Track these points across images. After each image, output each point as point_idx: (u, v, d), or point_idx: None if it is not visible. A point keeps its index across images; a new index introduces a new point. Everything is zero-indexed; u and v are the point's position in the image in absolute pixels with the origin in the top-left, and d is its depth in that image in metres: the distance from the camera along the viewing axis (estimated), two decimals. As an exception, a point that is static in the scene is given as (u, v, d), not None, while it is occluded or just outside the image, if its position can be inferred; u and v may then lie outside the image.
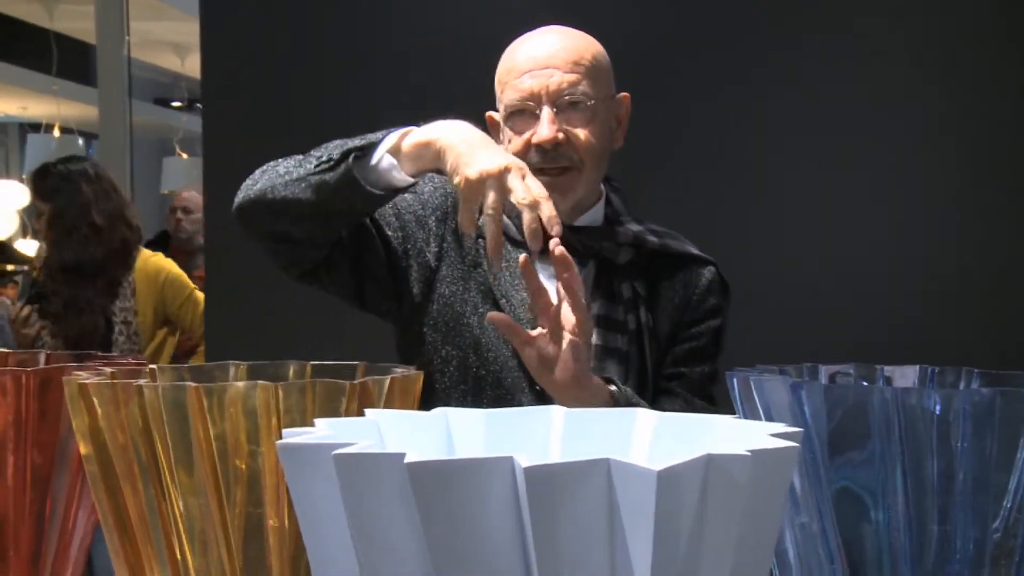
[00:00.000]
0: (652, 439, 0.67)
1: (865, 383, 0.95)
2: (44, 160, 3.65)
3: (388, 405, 0.83)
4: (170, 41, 8.98)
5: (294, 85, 2.66)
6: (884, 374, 0.96)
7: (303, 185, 1.36)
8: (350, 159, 1.34)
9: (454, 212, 1.54)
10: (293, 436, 0.59)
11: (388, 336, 1.60)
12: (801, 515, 0.80)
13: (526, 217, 1.24)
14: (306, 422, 0.77)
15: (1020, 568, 0.76)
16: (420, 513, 0.51)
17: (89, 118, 7.41)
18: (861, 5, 2.46)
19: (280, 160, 1.43)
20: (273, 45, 2.69)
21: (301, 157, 1.41)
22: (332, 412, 0.79)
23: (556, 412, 0.70)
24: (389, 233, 1.52)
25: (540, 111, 1.44)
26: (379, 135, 1.37)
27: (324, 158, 1.36)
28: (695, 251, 1.55)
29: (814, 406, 0.77)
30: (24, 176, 8.38)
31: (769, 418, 0.80)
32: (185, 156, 8.51)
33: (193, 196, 4.75)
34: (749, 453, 0.53)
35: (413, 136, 1.34)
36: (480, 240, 1.52)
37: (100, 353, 1.10)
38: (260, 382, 0.79)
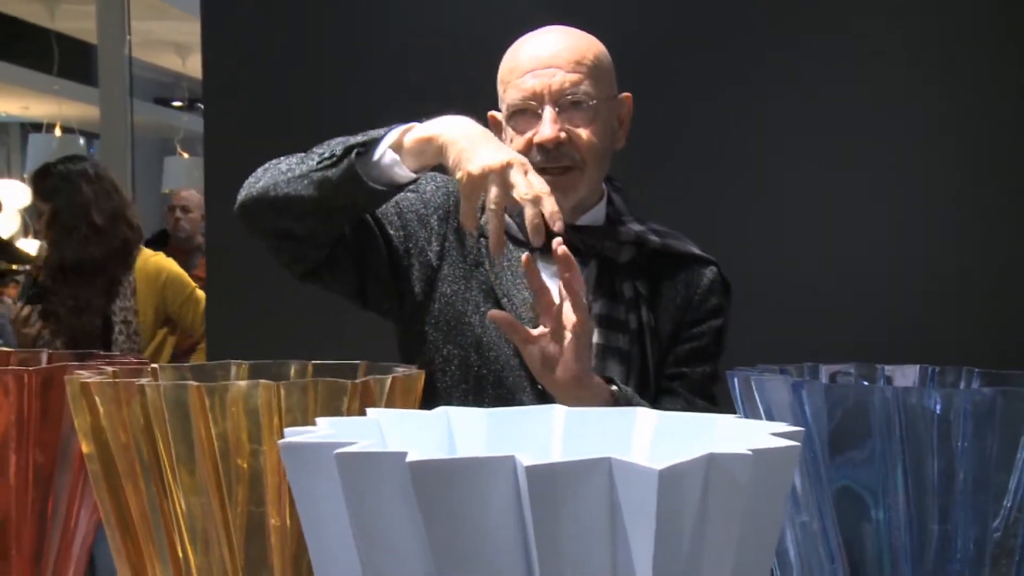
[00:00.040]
0: (653, 438, 0.67)
1: (866, 383, 0.96)
2: (45, 160, 3.66)
3: (389, 404, 0.83)
4: (171, 41, 8.98)
5: (295, 85, 2.66)
6: (885, 374, 0.96)
7: (305, 182, 1.36)
8: (352, 155, 1.34)
9: (456, 211, 1.54)
10: (295, 435, 0.59)
11: (389, 335, 1.60)
12: (802, 514, 0.80)
13: (528, 212, 1.24)
14: (308, 421, 0.78)
15: (1020, 567, 0.76)
16: (422, 512, 0.51)
17: (90, 118, 7.42)
18: (860, 5, 2.46)
19: (282, 158, 1.43)
20: (274, 45, 2.69)
21: (303, 154, 1.41)
22: (334, 411, 0.79)
23: (557, 411, 0.71)
24: (391, 232, 1.52)
25: (542, 110, 1.44)
26: (381, 131, 1.37)
27: (326, 155, 1.36)
28: (697, 251, 1.56)
29: (815, 405, 0.77)
30: (25, 176, 8.38)
31: (770, 417, 0.81)
32: (186, 156, 8.51)
33: (192, 195, 4.76)
34: (751, 452, 0.53)
35: (415, 132, 1.35)
36: (482, 239, 1.52)
37: (102, 352, 1.10)
38: (262, 381, 0.79)
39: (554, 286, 1.31)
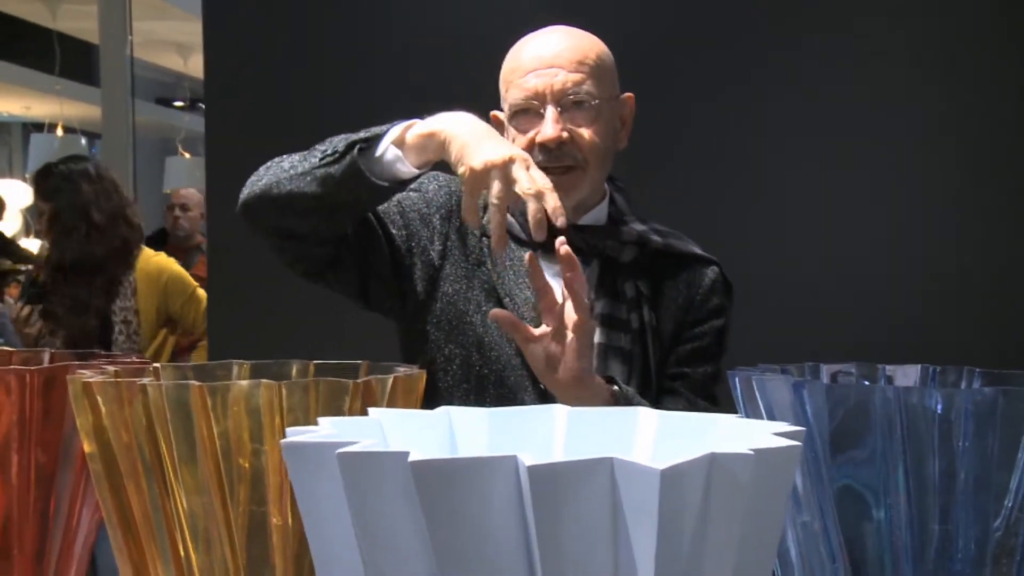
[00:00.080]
0: (655, 438, 0.68)
1: (867, 382, 0.96)
2: (47, 160, 3.66)
3: (391, 404, 0.83)
4: (173, 41, 8.97)
5: (296, 85, 2.66)
6: (886, 373, 0.96)
7: (308, 179, 1.36)
8: (355, 151, 1.34)
9: (458, 211, 1.54)
10: (297, 435, 0.59)
11: (390, 335, 1.60)
12: (803, 514, 0.80)
13: (531, 207, 1.24)
14: (309, 421, 0.78)
15: (1021, 567, 0.76)
16: (424, 512, 0.51)
17: (92, 118, 7.42)
18: (861, 5, 2.46)
19: (284, 156, 1.43)
20: (275, 45, 2.69)
21: (305, 152, 1.41)
22: (335, 411, 0.80)
23: (559, 411, 0.71)
24: (393, 231, 1.52)
25: (544, 110, 1.44)
26: (383, 128, 1.37)
27: (329, 151, 1.36)
28: (699, 251, 1.56)
29: (816, 405, 0.77)
30: (27, 175, 8.38)
31: (771, 417, 0.81)
32: (188, 156, 8.51)
33: (191, 193, 4.76)
34: (752, 452, 0.53)
35: (417, 128, 1.35)
36: (484, 239, 1.52)
37: (103, 352, 1.10)
38: (263, 381, 0.79)
39: (557, 285, 1.31)
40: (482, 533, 0.52)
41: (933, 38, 2.43)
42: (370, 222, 1.49)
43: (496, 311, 1.34)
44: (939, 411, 0.73)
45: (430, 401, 0.89)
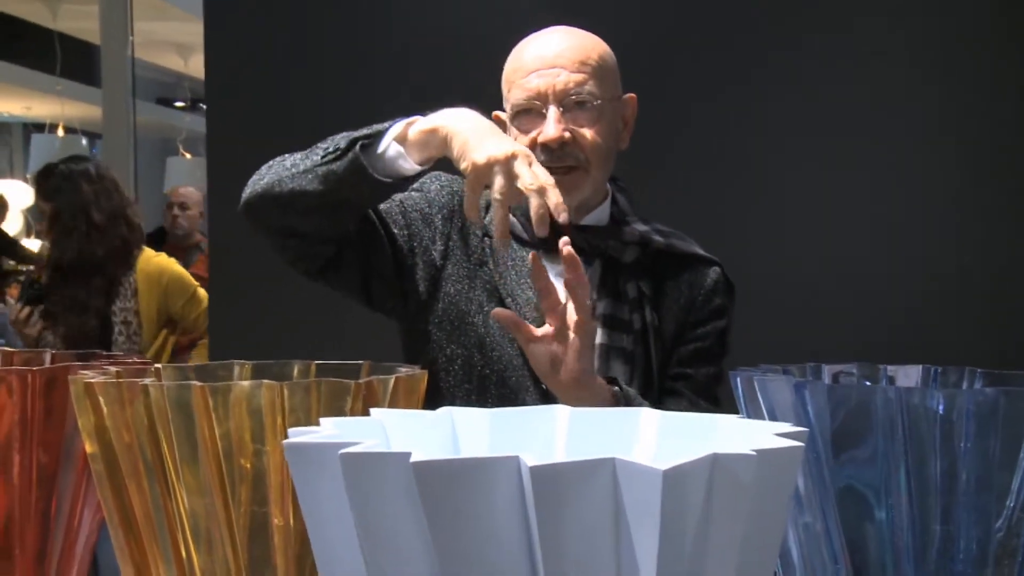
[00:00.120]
0: (656, 439, 0.68)
1: (868, 383, 0.96)
2: (48, 160, 3.66)
3: (393, 404, 0.83)
4: (173, 41, 8.97)
5: (297, 85, 2.66)
6: (887, 374, 0.96)
7: (310, 176, 1.36)
8: (357, 147, 1.34)
9: (460, 211, 1.54)
10: (299, 435, 0.59)
11: (391, 335, 1.61)
12: (805, 515, 0.80)
13: (534, 203, 1.24)
14: (311, 421, 0.78)
15: (1023, 568, 0.76)
16: (426, 512, 0.52)
17: (93, 118, 7.42)
18: (861, 5, 2.46)
19: (286, 155, 1.43)
20: (276, 45, 2.69)
21: (307, 151, 1.41)
22: (337, 411, 0.80)
23: (560, 411, 0.71)
24: (395, 231, 1.52)
25: (546, 110, 1.45)
26: (385, 125, 1.37)
27: (331, 148, 1.37)
28: (701, 251, 1.56)
29: (818, 406, 0.77)
30: (28, 176, 8.38)
31: (773, 418, 0.81)
32: (188, 156, 8.51)
33: (190, 192, 4.74)
34: (754, 453, 0.53)
35: (419, 124, 1.35)
36: (486, 239, 1.53)
37: (105, 352, 1.10)
38: (265, 381, 0.79)
39: (560, 285, 1.31)
40: (484, 534, 0.52)
41: (933, 38, 2.43)
42: (372, 222, 1.49)
43: (498, 310, 1.34)
44: (941, 412, 0.73)
45: (432, 401, 0.89)
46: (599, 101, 1.46)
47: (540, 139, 1.44)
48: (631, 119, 1.56)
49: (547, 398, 1.40)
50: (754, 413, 0.83)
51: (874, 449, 0.75)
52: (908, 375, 0.96)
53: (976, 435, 0.72)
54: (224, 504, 0.80)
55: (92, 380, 0.83)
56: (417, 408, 0.86)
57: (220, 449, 0.79)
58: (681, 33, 2.52)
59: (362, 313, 1.59)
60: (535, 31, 1.53)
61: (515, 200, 1.28)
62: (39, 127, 9.74)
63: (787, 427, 0.60)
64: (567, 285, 1.28)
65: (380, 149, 1.36)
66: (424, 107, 1.39)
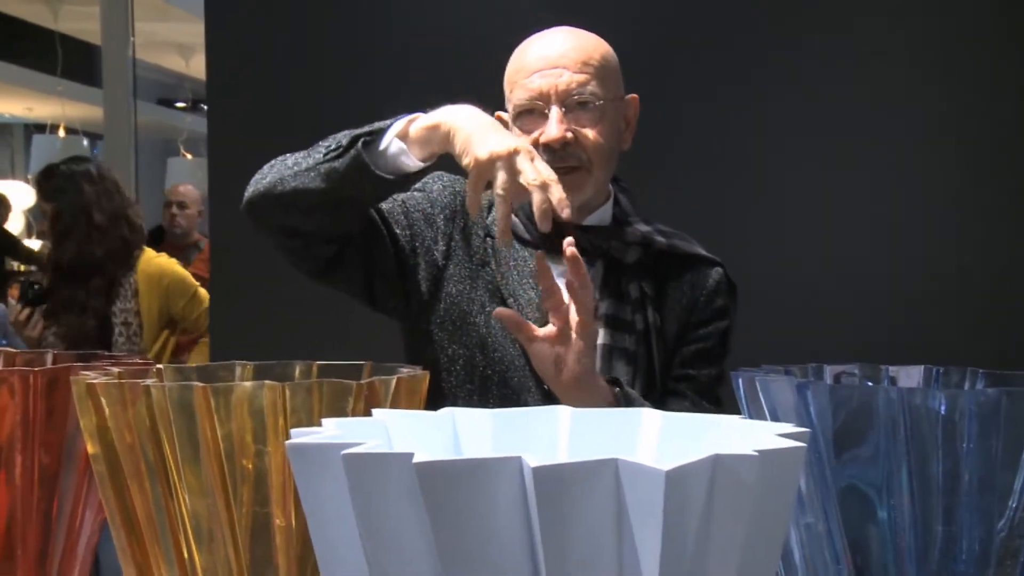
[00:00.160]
0: (658, 439, 0.68)
1: (870, 383, 0.96)
2: (49, 161, 3.66)
3: (394, 405, 0.83)
4: (174, 42, 8.97)
5: (298, 86, 2.66)
6: (889, 374, 0.96)
7: (312, 174, 1.36)
8: (359, 144, 1.34)
9: (462, 211, 1.54)
10: (302, 436, 0.59)
11: (393, 335, 1.61)
12: (807, 515, 0.80)
13: (536, 198, 1.24)
14: (313, 422, 0.78)
15: (1025, 568, 0.76)
16: (428, 513, 0.52)
17: (94, 119, 7.41)
18: (861, 5, 2.46)
19: (287, 155, 1.43)
20: (277, 46, 2.69)
21: (308, 149, 1.41)
22: (339, 412, 0.80)
23: (563, 412, 0.71)
24: (397, 231, 1.52)
25: (549, 111, 1.44)
26: (387, 122, 1.37)
27: (332, 146, 1.36)
28: (703, 252, 1.56)
29: (819, 406, 0.77)
30: (29, 176, 8.38)
31: (775, 418, 0.81)
32: (190, 157, 8.51)
33: (189, 190, 4.72)
34: (757, 453, 0.53)
35: (421, 120, 1.35)
36: (489, 239, 1.53)
37: (107, 353, 1.10)
38: (267, 382, 0.79)
39: (563, 286, 1.31)
40: (486, 534, 0.52)
41: (933, 38, 2.43)
42: (375, 222, 1.49)
43: (500, 310, 1.34)
44: (943, 412, 0.73)
45: (433, 402, 0.89)
46: (601, 101, 1.46)
47: (542, 139, 1.44)
48: (633, 119, 1.56)
49: (549, 399, 1.40)
50: (756, 413, 0.83)
51: (876, 449, 0.75)
52: (910, 376, 0.96)
53: (978, 435, 0.72)
54: (226, 505, 0.80)
55: (94, 381, 0.83)
56: (419, 409, 0.86)
57: (222, 450, 0.79)
58: (681, 33, 2.52)
59: (363, 313, 1.59)
60: (536, 31, 1.53)
61: (518, 196, 1.27)
62: (40, 128, 9.73)
63: (789, 427, 0.60)
64: (568, 287, 1.28)
65: (382, 146, 1.36)
66: (424, 107, 1.38)
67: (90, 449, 0.85)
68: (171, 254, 3.51)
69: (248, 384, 0.79)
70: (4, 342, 4.04)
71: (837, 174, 2.46)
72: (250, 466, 0.80)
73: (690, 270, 1.54)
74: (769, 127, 2.48)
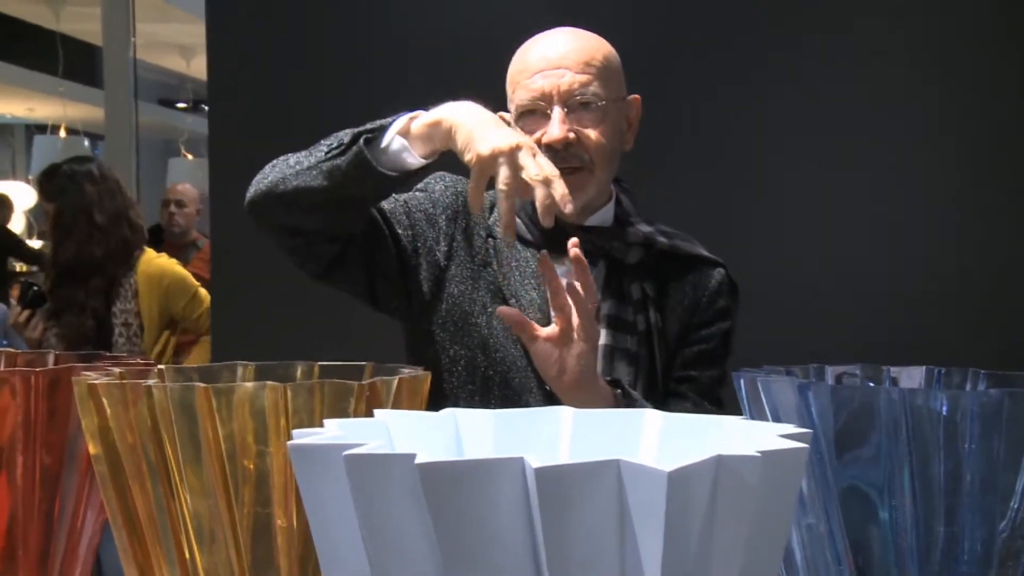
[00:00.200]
0: (660, 440, 0.68)
1: (872, 384, 0.96)
2: (50, 161, 3.67)
3: (396, 405, 0.83)
4: (175, 43, 8.98)
5: (299, 86, 2.66)
6: (890, 375, 0.96)
7: (314, 173, 1.36)
8: (361, 142, 1.34)
9: (464, 211, 1.54)
10: (304, 437, 0.59)
11: (394, 335, 1.61)
12: (808, 516, 0.80)
13: (539, 193, 1.24)
14: (314, 423, 0.78)
15: (1027, 569, 0.76)
16: (430, 514, 0.52)
17: (95, 119, 7.42)
18: (861, 5, 2.46)
19: (289, 155, 1.43)
20: (278, 47, 2.69)
21: (310, 148, 1.41)
22: (340, 413, 0.80)
23: (564, 413, 0.71)
24: (399, 231, 1.52)
25: (551, 111, 1.44)
26: (388, 120, 1.37)
27: (334, 145, 1.37)
28: (705, 253, 1.56)
29: (821, 407, 0.77)
30: (30, 177, 8.39)
31: (776, 419, 0.81)
32: (190, 157, 8.52)
33: (187, 189, 4.70)
34: (759, 454, 0.53)
35: (423, 117, 1.35)
36: (491, 239, 1.53)
37: (108, 354, 1.10)
38: (269, 383, 0.79)
39: (565, 286, 1.31)
40: (489, 535, 0.52)
41: (933, 38, 2.43)
42: (377, 222, 1.49)
43: (503, 308, 1.34)
44: (944, 413, 0.73)
45: (435, 403, 0.89)
46: (603, 102, 1.46)
47: (544, 140, 1.44)
48: (635, 120, 1.56)
49: (551, 399, 1.40)
50: (757, 414, 0.83)
51: (878, 450, 0.75)
52: (911, 376, 0.96)
53: (980, 436, 0.73)
54: (227, 505, 0.80)
55: (96, 381, 0.83)
56: (420, 409, 0.86)
57: (223, 450, 0.79)
58: (681, 33, 2.53)
59: (365, 314, 1.59)
60: (536, 32, 1.53)
61: (520, 191, 1.27)
62: (41, 128, 9.75)
63: (791, 428, 0.60)
64: (568, 289, 1.28)
65: (384, 144, 1.36)
66: (424, 108, 1.39)
67: (92, 450, 0.85)
68: (169, 253, 3.50)
69: (250, 385, 0.79)
70: (5, 343, 4.05)
71: (837, 174, 2.46)
72: (252, 467, 0.80)
73: (692, 271, 1.54)
74: (769, 127, 2.48)
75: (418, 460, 0.51)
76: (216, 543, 0.81)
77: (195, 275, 3.45)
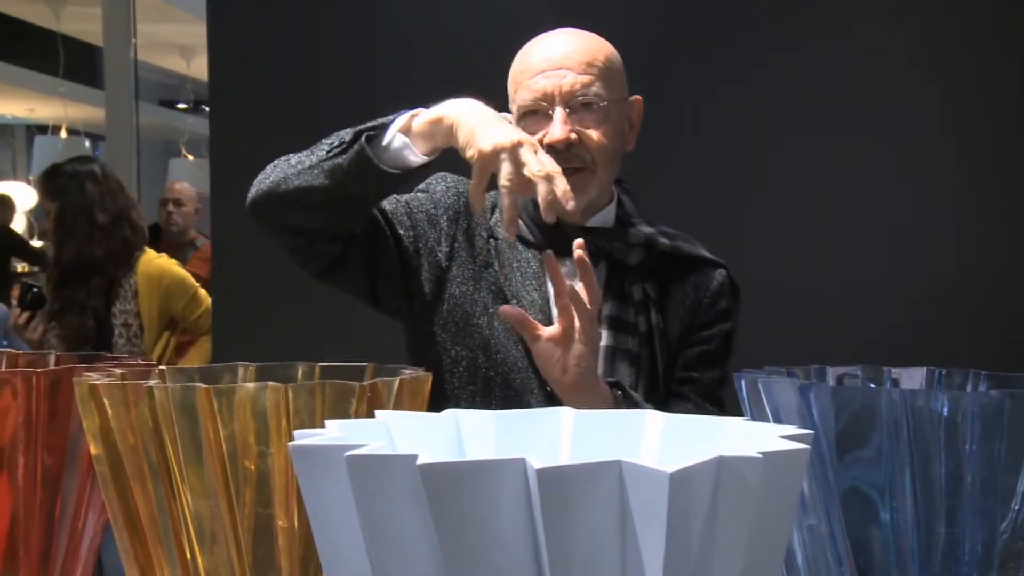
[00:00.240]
0: (661, 441, 0.68)
1: (873, 385, 0.96)
2: (51, 162, 3.66)
3: (397, 406, 0.83)
4: (176, 43, 8.98)
5: (300, 86, 2.66)
6: (891, 376, 0.96)
7: (316, 171, 1.36)
8: (362, 140, 1.34)
9: (466, 212, 1.54)
10: (305, 438, 0.59)
11: (395, 336, 1.61)
12: (809, 517, 0.80)
13: (541, 189, 1.24)
14: (315, 423, 0.78)
15: (1028, 570, 0.76)
16: (432, 515, 0.52)
17: (96, 120, 7.42)
18: (861, 5, 2.46)
19: (291, 154, 1.43)
20: (279, 47, 2.69)
21: (311, 148, 1.41)
22: (342, 413, 0.80)
23: (566, 413, 0.71)
24: (401, 231, 1.52)
25: (553, 111, 1.44)
26: (389, 118, 1.37)
27: (336, 143, 1.36)
28: (706, 254, 1.56)
29: (822, 408, 0.77)
30: (31, 177, 8.39)
31: (777, 420, 0.81)
32: (191, 158, 8.52)
33: (185, 188, 4.68)
34: (760, 455, 0.53)
35: (424, 115, 1.35)
36: (492, 240, 1.53)
37: (109, 354, 1.11)
38: (270, 383, 0.79)
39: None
40: (490, 536, 0.52)
41: (933, 38, 2.44)
42: (378, 222, 1.49)
43: (506, 307, 1.34)
44: (945, 414, 0.73)
45: (436, 403, 0.89)
46: (605, 103, 1.46)
47: (546, 140, 1.43)
48: (637, 121, 1.56)
49: (552, 400, 1.40)
50: (758, 415, 0.83)
51: (878, 451, 0.75)
52: (912, 377, 0.96)
53: (981, 437, 0.73)
54: (228, 506, 0.80)
55: (97, 382, 0.83)
56: (421, 410, 0.86)
57: (224, 451, 0.79)
58: (681, 33, 2.53)
59: (366, 314, 1.59)
60: (537, 30, 1.53)
61: (522, 188, 1.27)
62: (42, 129, 9.75)
63: (792, 429, 0.60)
64: (569, 293, 1.28)
65: (385, 141, 1.36)
66: (425, 106, 1.38)
67: (93, 450, 0.85)
68: (167, 252, 3.50)
69: (251, 385, 0.79)
70: (6, 343, 4.05)
71: (837, 174, 2.46)
72: (253, 467, 0.80)
73: (694, 272, 1.54)
74: (769, 127, 2.48)
75: (419, 461, 0.51)
76: (217, 544, 0.81)
77: (193, 274, 3.45)
